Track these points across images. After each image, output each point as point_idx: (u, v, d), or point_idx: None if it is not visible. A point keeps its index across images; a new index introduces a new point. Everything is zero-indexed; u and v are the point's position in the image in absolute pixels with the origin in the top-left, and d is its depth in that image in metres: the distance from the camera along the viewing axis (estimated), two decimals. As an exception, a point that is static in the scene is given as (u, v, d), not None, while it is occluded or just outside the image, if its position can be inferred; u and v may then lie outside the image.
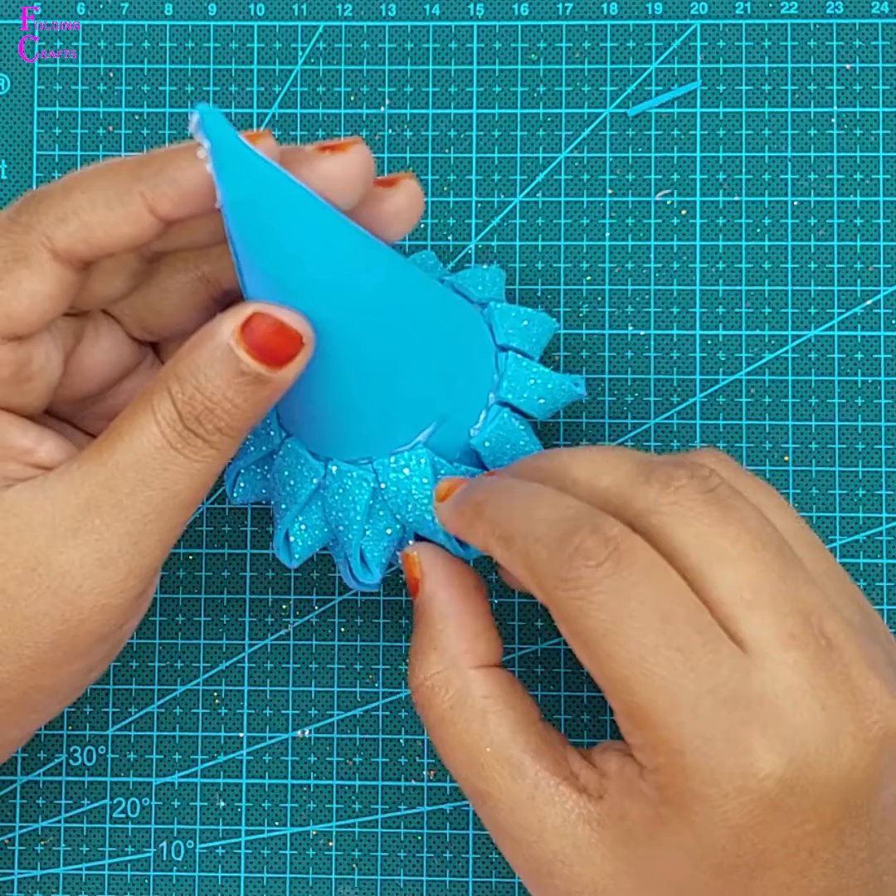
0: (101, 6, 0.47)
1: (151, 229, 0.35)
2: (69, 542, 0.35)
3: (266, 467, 0.41)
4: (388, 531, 0.40)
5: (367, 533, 0.40)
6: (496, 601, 0.45)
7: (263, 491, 0.41)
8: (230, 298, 0.39)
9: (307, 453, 0.39)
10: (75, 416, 0.40)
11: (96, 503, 0.35)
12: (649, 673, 0.32)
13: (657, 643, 0.32)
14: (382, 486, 0.39)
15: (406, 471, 0.39)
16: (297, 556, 0.40)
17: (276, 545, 0.40)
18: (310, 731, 0.45)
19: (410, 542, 0.40)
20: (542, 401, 0.40)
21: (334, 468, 0.39)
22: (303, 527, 0.40)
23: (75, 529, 0.35)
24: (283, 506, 0.40)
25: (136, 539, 0.35)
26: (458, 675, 0.36)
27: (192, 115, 0.31)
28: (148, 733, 0.45)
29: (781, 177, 0.46)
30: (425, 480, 0.39)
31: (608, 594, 0.33)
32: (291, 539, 0.40)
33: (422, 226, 0.45)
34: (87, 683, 0.38)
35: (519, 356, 0.40)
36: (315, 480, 0.39)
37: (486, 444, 0.40)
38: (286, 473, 0.39)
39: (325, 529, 0.40)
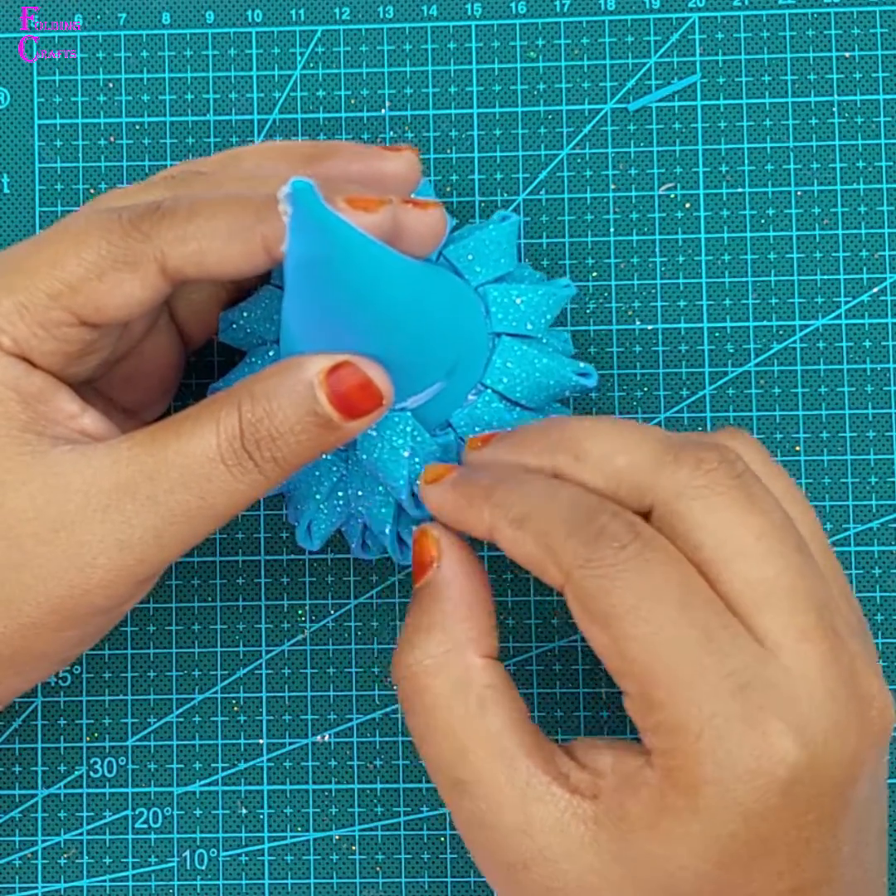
0: (99, 16, 0.47)
1: (260, 268, 0.36)
2: (98, 516, 0.35)
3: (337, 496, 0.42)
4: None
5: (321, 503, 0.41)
6: (511, 600, 0.45)
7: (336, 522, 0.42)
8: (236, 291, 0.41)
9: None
10: (98, 381, 0.41)
11: (133, 488, 0.35)
12: (671, 651, 0.32)
13: (679, 622, 0.32)
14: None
15: (387, 432, 0.39)
16: (318, 542, 0.41)
17: (298, 537, 0.41)
18: (329, 735, 0.45)
19: (424, 522, 0.39)
20: (526, 387, 0.40)
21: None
22: (322, 527, 0.41)
23: (107, 506, 0.35)
24: (306, 501, 0.41)
25: (159, 533, 0.35)
26: (460, 661, 0.36)
27: (284, 188, 0.32)
28: (168, 743, 0.45)
29: (784, 167, 0.46)
30: (400, 443, 0.39)
31: (633, 573, 0.33)
32: (312, 528, 0.41)
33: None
34: (73, 656, 0.39)
35: (511, 340, 0.41)
36: (336, 476, 0.40)
37: (462, 425, 0.40)
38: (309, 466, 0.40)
39: (342, 516, 0.41)
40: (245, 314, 0.41)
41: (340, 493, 0.41)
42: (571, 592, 0.34)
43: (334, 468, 0.40)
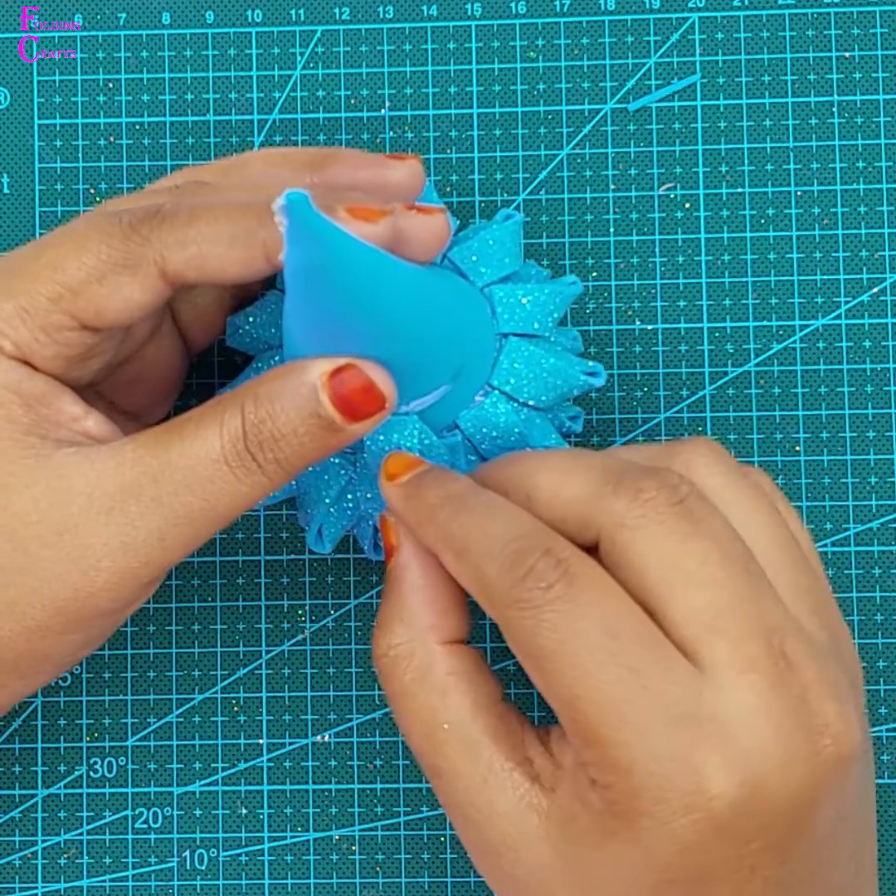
0: (99, 16, 0.47)
1: (261, 273, 0.36)
2: (102, 519, 0.35)
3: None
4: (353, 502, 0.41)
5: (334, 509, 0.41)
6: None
7: (286, 489, 0.41)
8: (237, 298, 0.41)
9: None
10: (101, 384, 0.41)
11: (137, 491, 0.35)
12: (598, 691, 0.32)
13: (606, 661, 0.32)
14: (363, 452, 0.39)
15: (394, 436, 0.39)
16: (329, 546, 0.41)
17: (308, 541, 0.41)
18: (329, 735, 0.45)
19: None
20: (534, 387, 0.40)
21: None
22: (332, 530, 0.41)
23: (110, 508, 0.35)
24: (315, 506, 0.41)
25: (162, 536, 0.35)
26: (422, 649, 0.36)
27: (279, 199, 0.32)
28: (168, 743, 0.45)
29: (784, 167, 0.46)
30: (408, 446, 0.39)
31: (558, 614, 0.33)
32: (323, 531, 0.41)
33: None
34: (77, 659, 0.39)
35: (517, 340, 0.40)
36: (345, 475, 0.40)
37: (469, 426, 0.40)
38: (317, 468, 0.40)
39: (353, 517, 0.41)
40: (251, 319, 0.41)
41: (350, 496, 0.41)
42: (504, 631, 0.34)
43: (343, 471, 0.40)
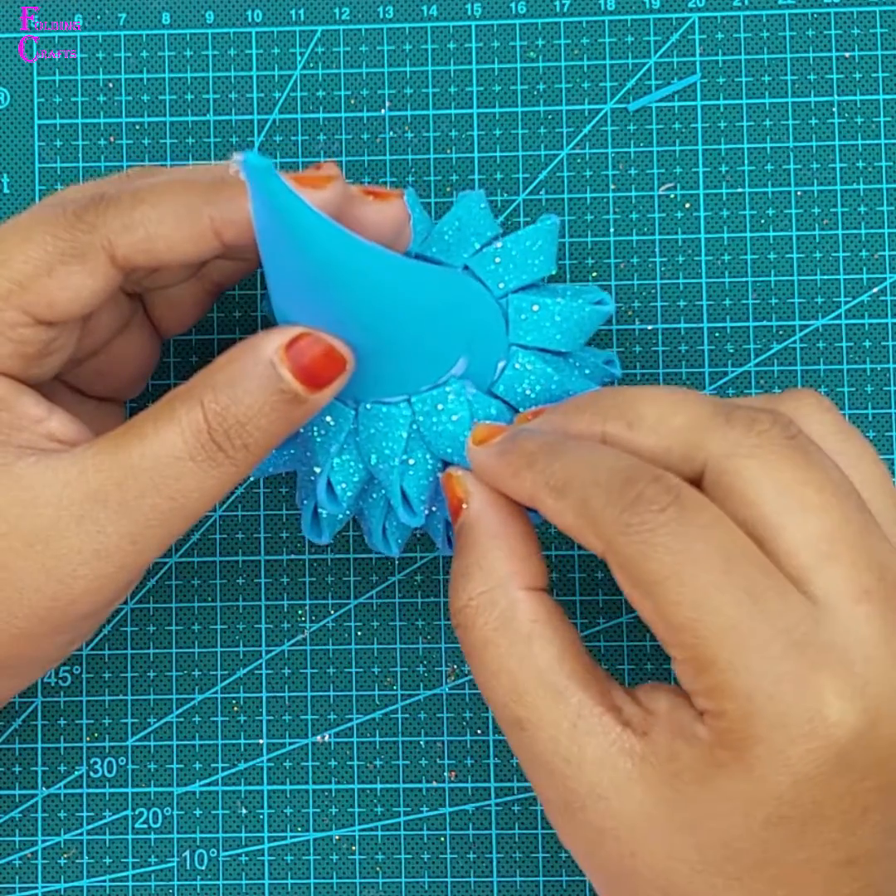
0: (99, 16, 0.47)
1: (211, 251, 0.36)
2: (72, 528, 0.35)
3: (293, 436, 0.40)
4: (430, 465, 0.39)
5: (410, 472, 0.39)
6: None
7: (287, 460, 0.41)
8: (222, 291, 0.41)
9: (335, 401, 0.39)
10: (70, 374, 0.40)
11: (104, 497, 0.35)
12: (715, 613, 0.32)
13: (723, 583, 0.32)
14: (418, 421, 0.39)
15: (439, 406, 0.38)
16: (343, 504, 0.40)
17: (319, 499, 0.39)
18: (329, 735, 0.45)
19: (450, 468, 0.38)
20: (558, 330, 0.40)
21: (368, 406, 0.38)
22: (342, 483, 0.40)
23: (80, 517, 0.35)
24: (320, 457, 0.39)
25: (135, 539, 0.35)
26: (504, 596, 0.35)
27: (234, 161, 0.31)
28: (168, 743, 0.45)
29: (784, 167, 0.46)
30: (456, 418, 0.38)
31: (672, 536, 0.32)
32: (333, 486, 0.39)
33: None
34: (67, 653, 0.38)
35: (520, 294, 0.40)
36: (350, 424, 0.39)
37: (504, 388, 0.40)
38: (315, 429, 0.39)
39: (364, 471, 0.40)
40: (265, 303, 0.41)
41: (351, 460, 0.40)
42: (613, 560, 0.33)
43: (342, 421, 0.39)
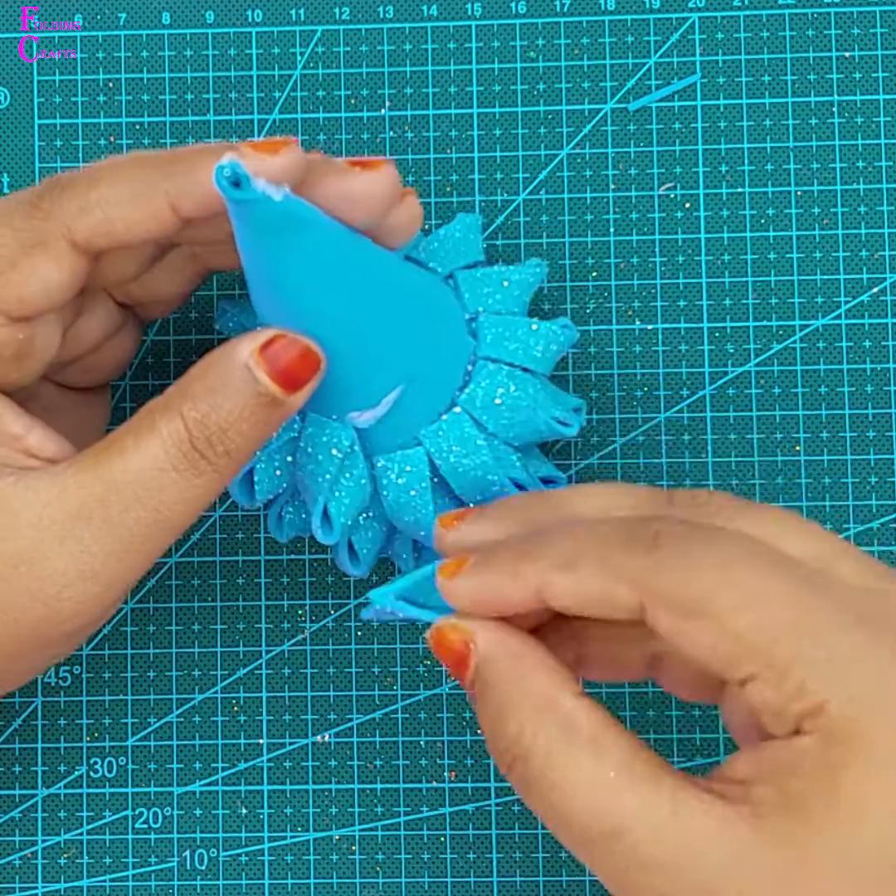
0: (99, 16, 0.47)
1: (172, 227, 0.35)
2: (55, 549, 0.34)
3: (287, 456, 0.40)
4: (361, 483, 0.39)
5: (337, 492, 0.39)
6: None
7: (282, 483, 0.41)
8: (213, 274, 0.40)
9: (328, 420, 0.39)
10: (55, 374, 0.40)
11: (87, 514, 0.34)
12: (784, 600, 0.31)
13: (777, 573, 0.31)
14: (379, 483, 0.39)
15: (400, 480, 0.38)
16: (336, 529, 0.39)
17: (314, 525, 0.39)
18: (329, 735, 0.45)
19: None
20: (525, 350, 0.40)
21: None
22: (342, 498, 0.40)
23: (63, 537, 0.34)
24: (319, 479, 0.39)
25: (121, 556, 0.35)
26: (558, 709, 0.32)
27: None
28: (168, 743, 0.45)
29: (784, 167, 0.46)
30: (415, 492, 0.38)
31: (708, 550, 0.31)
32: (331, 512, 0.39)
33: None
34: (51, 665, 0.39)
35: (492, 316, 0.40)
36: (346, 445, 0.39)
37: (431, 443, 0.39)
38: (310, 450, 0.39)
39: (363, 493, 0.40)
40: (240, 306, 0.41)
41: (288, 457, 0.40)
42: (652, 602, 0.31)
43: (338, 442, 0.39)
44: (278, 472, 0.40)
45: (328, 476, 0.39)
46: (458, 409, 0.40)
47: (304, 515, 0.41)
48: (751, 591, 0.31)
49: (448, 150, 0.46)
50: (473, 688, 0.34)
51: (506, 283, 0.41)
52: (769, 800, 0.30)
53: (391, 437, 0.39)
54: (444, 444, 0.39)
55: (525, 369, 0.40)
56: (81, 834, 0.45)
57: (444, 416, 0.39)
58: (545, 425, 0.40)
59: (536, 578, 0.33)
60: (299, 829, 0.45)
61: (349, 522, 0.40)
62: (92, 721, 0.45)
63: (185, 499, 0.35)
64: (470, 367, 0.40)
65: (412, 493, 0.39)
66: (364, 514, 0.41)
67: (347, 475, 0.39)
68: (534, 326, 0.40)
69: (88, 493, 0.34)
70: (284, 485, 0.40)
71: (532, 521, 0.35)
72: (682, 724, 0.44)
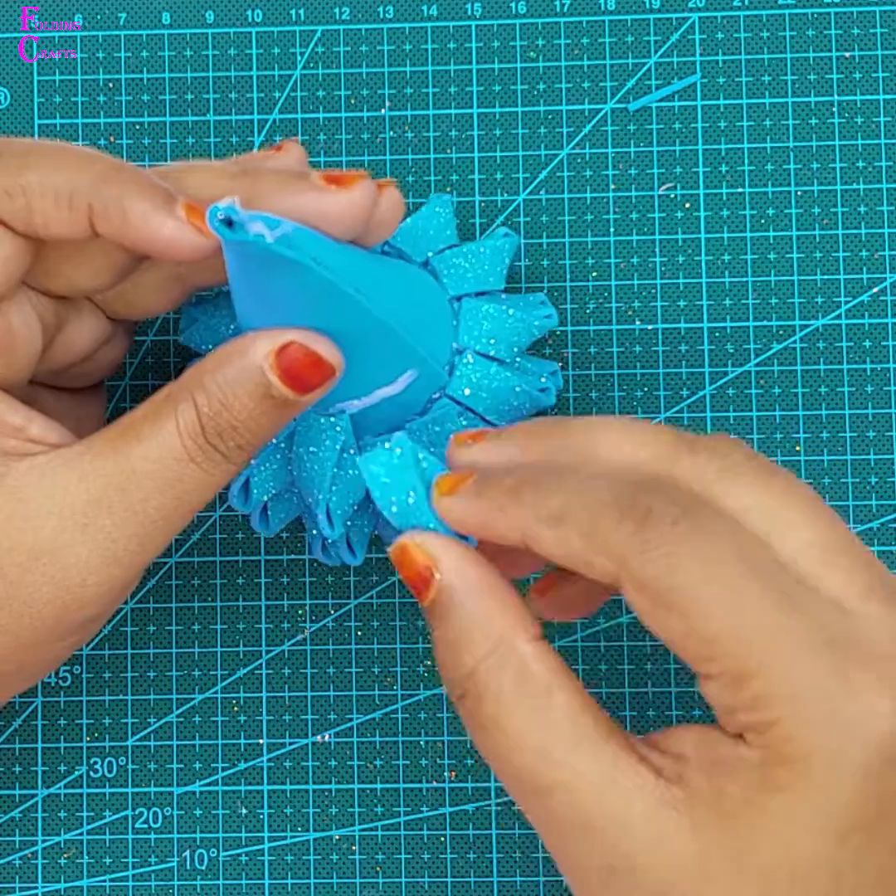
0: (99, 16, 0.47)
1: (86, 238, 0.35)
2: (77, 538, 0.35)
3: (278, 455, 0.41)
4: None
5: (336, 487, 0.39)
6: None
7: (277, 486, 0.41)
8: (199, 292, 0.40)
9: (327, 418, 0.39)
10: (51, 379, 0.40)
11: (108, 502, 0.35)
12: (758, 615, 0.31)
13: (759, 586, 0.31)
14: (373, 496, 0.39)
15: (386, 479, 0.38)
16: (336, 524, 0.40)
17: (320, 524, 0.40)
18: (329, 735, 0.45)
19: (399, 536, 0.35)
20: (495, 340, 0.41)
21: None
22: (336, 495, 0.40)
23: (84, 525, 0.35)
24: (316, 477, 0.39)
25: (142, 540, 0.35)
26: (513, 653, 0.33)
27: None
28: (168, 743, 0.45)
29: (784, 167, 0.46)
30: (412, 497, 0.38)
31: (696, 547, 0.31)
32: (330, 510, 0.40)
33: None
34: (73, 651, 0.38)
35: (471, 300, 0.41)
36: (340, 442, 0.39)
37: (466, 392, 0.40)
38: (312, 449, 0.39)
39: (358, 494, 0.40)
40: (208, 313, 0.41)
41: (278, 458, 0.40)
42: (632, 582, 0.31)
43: (332, 441, 0.40)
44: (272, 482, 0.40)
45: (329, 475, 0.39)
46: (437, 396, 0.40)
47: (289, 510, 0.41)
48: (728, 597, 0.31)
49: (448, 150, 0.46)
50: (432, 611, 0.34)
51: (482, 250, 0.42)
52: (702, 793, 0.31)
53: (378, 428, 0.39)
54: (469, 389, 0.40)
55: (502, 362, 0.41)
56: (81, 834, 0.45)
57: (430, 406, 0.40)
58: (528, 400, 0.41)
59: (522, 522, 0.33)
60: (299, 829, 0.45)
61: (348, 519, 0.40)
62: (92, 721, 0.45)
63: (201, 487, 0.35)
64: (455, 352, 0.41)
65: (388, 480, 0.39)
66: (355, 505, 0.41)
67: (345, 471, 0.40)
68: (510, 311, 0.41)
69: (107, 481, 0.35)
70: (279, 488, 0.41)
71: (546, 452, 0.34)
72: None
